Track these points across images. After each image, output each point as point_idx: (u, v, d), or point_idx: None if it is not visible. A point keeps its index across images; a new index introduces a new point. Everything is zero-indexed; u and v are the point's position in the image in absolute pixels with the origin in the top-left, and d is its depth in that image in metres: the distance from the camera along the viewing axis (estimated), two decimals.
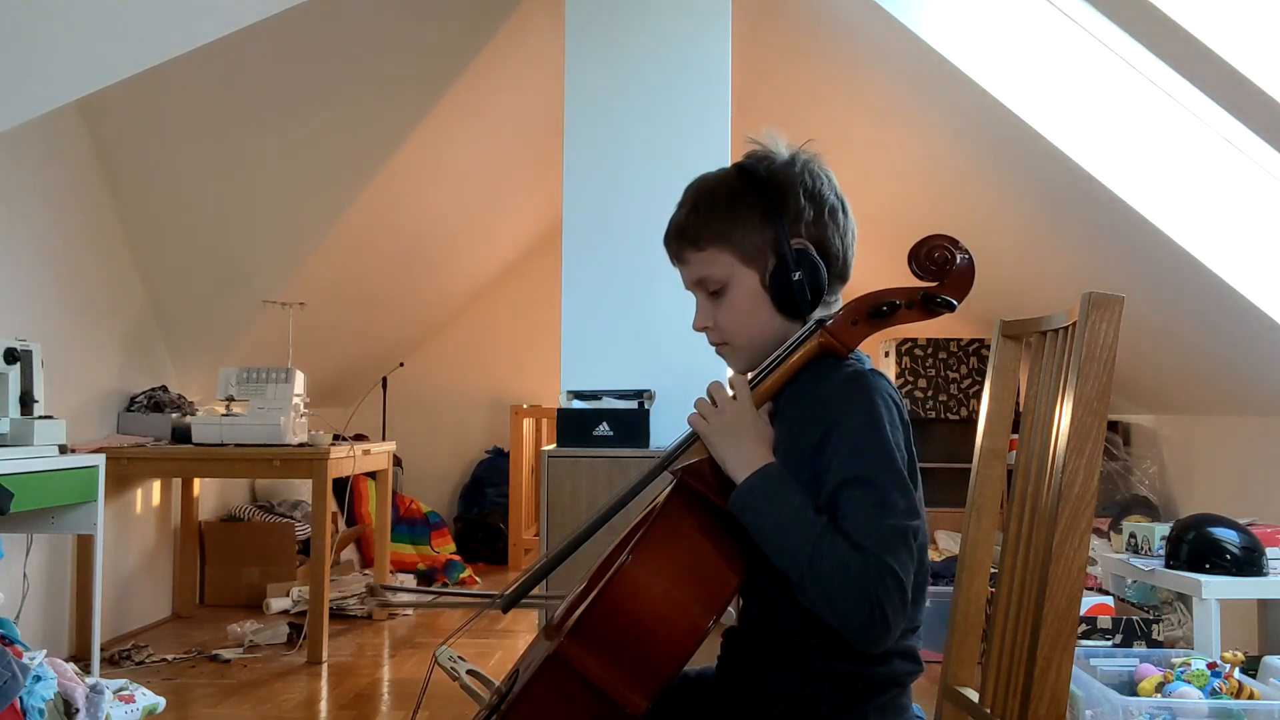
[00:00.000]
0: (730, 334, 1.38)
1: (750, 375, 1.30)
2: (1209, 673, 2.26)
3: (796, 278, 1.29)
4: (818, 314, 1.31)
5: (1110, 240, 3.42)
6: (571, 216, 3.24)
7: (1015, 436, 1.44)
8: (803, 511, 1.18)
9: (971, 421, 3.58)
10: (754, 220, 1.32)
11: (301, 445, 3.84)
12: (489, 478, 6.23)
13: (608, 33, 3.25)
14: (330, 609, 3.94)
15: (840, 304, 1.36)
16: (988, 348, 3.77)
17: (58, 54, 2.50)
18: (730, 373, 1.36)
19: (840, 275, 1.35)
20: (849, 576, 1.14)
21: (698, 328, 1.39)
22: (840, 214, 1.34)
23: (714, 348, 1.41)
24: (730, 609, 1.32)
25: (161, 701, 2.87)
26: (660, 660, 1.13)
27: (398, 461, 5.72)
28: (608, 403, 2.96)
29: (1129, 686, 2.36)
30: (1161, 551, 2.76)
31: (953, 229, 1.29)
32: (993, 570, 1.46)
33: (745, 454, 1.23)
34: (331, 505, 4.04)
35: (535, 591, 1.32)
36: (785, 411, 1.29)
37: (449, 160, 4.70)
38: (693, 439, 1.29)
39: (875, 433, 1.21)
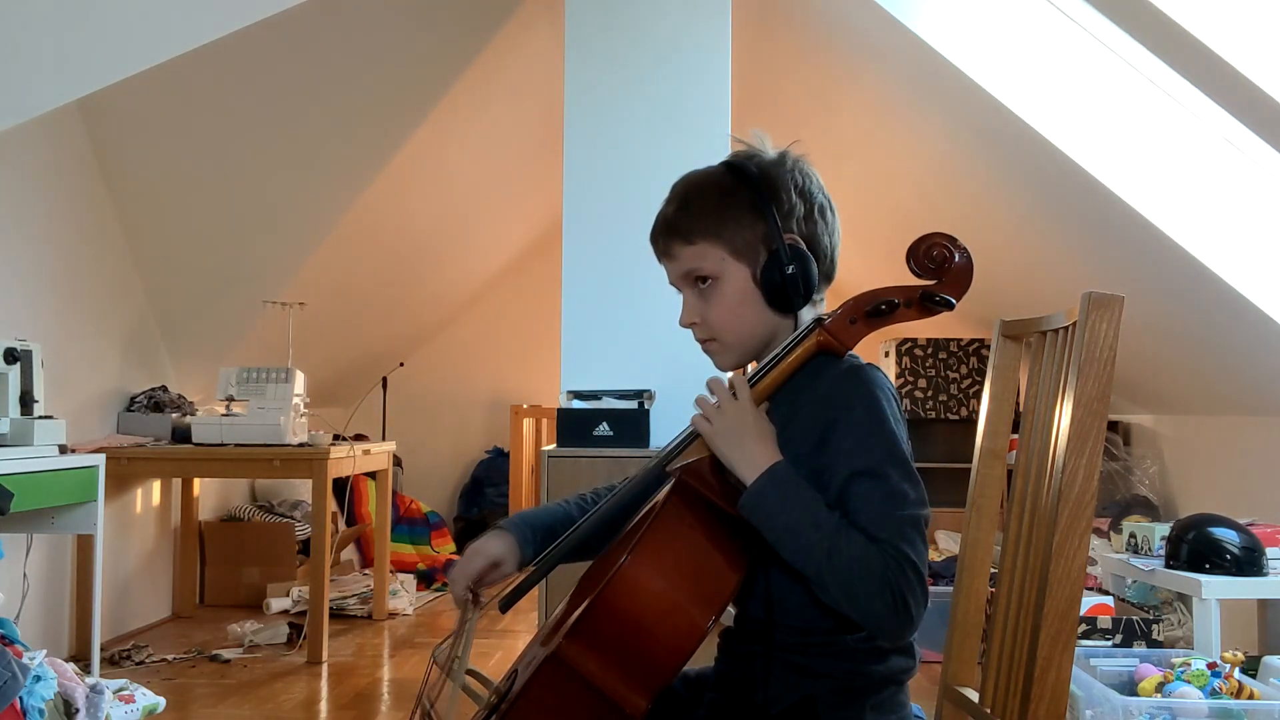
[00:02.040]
0: (719, 330, 1.37)
1: (748, 374, 1.30)
2: (1209, 673, 2.26)
3: (790, 271, 1.29)
4: (806, 313, 1.31)
5: (1110, 240, 3.42)
6: (571, 216, 3.24)
7: (1015, 436, 1.44)
8: (815, 509, 1.18)
9: (971, 421, 3.59)
10: (745, 215, 1.31)
11: (301, 445, 3.84)
12: (489, 478, 6.23)
13: (608, 33, 3.25)
14: (330, 609, 3.94)
15: (825, 304, 1.36)
16: (988, 348, 3.77)
17: (57, 54, 2.50)
18: (729, 375, 1.36)
19: (827, 274, 1.34)
20: (869, 570, 1.14)
21: (685, 323, 1.39)
22: (828, 212, 1.34)
23: (701, 344, 1.41)
24: (730, 608, 1.32)
25: (161, 701, 2.87)
26: (660, 660, 1.13)
27: (398, 461, 5.72)
28: (608, 403, 2.96)
29: (1129, 686, 2.36)
30: (1161, 551, 2.75)
31: (952, 228, 1.29)
32: (993, 570, 1.46)
33: (752, 454, 1.22)
34: (331, 505, 4.04)
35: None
36: (780, 410, 1.29)
37: (449, 160, 4.70)
38: (691, 438, 1.29)
39: (878, 424, 1.21)
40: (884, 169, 4.57)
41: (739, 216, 1.32)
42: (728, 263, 1.33)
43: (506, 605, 1.36)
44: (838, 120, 4.49)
